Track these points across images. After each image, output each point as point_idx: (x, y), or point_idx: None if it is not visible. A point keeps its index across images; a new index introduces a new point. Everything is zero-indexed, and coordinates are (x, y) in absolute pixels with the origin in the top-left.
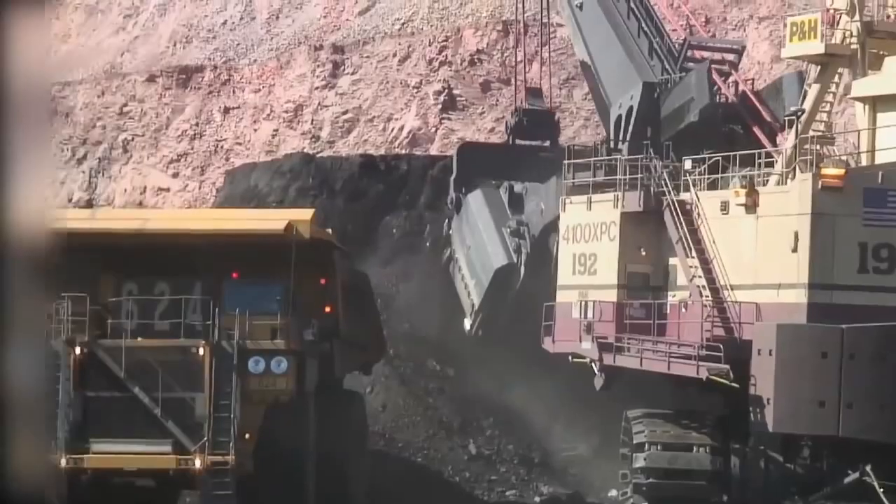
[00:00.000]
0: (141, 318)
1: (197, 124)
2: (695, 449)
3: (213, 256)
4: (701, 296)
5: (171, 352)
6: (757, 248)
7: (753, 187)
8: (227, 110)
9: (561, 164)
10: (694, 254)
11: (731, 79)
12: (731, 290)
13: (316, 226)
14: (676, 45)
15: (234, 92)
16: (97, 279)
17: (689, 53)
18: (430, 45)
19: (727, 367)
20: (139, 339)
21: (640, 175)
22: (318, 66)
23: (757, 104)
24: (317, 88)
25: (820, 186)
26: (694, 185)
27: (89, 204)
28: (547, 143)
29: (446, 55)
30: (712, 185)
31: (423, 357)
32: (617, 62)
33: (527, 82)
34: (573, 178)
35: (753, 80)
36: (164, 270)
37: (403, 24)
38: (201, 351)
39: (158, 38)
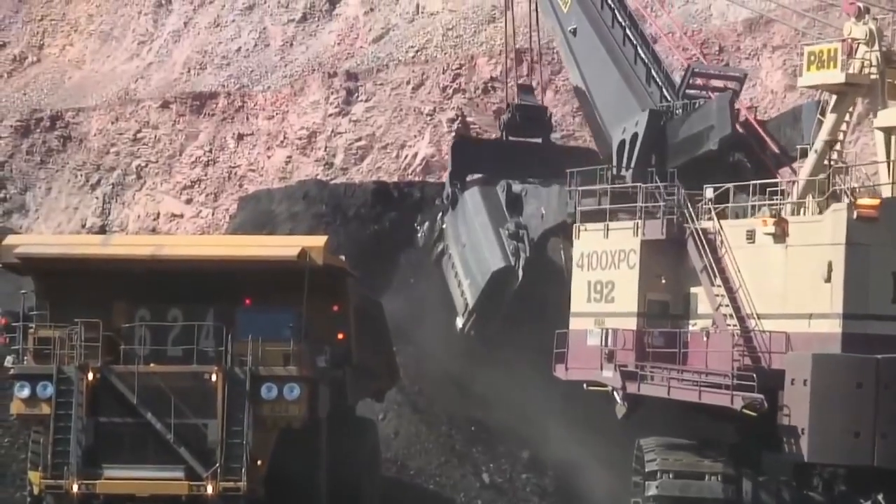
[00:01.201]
0: (154, 344)
1: (210, 150)
2: (707, 477)
3: (226, 283)
4: (727, 324)
5: (184, 378)
6: (786, 277)
7: (782, 217)
8: (240, 137)
9: (558, 162)
10: (719, 282)
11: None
12: (758, 318)
13: (329, 253)
14: (674, 72)
15: (247, 118)
16: (110, 305)
17: (691, 81)
18: (443, 73)
19: (761, 397)
20: (152, 365)
21: (661, 203)
22: (332, 92)
23: (763, 134)
24: (330, 115)
25: (855, 216)
26: (716, 214)
27: (103, 230)
28: (539, 140)
29: (460, 83)
30: (733, 214)
31: (433, 382)
32: (614, 88)
33: (518, 78)
34: (585, 205)
35: (756, 108)
36: (177, 297)
37: (417, 51)
38: (214, 377)
39: (172, 64)
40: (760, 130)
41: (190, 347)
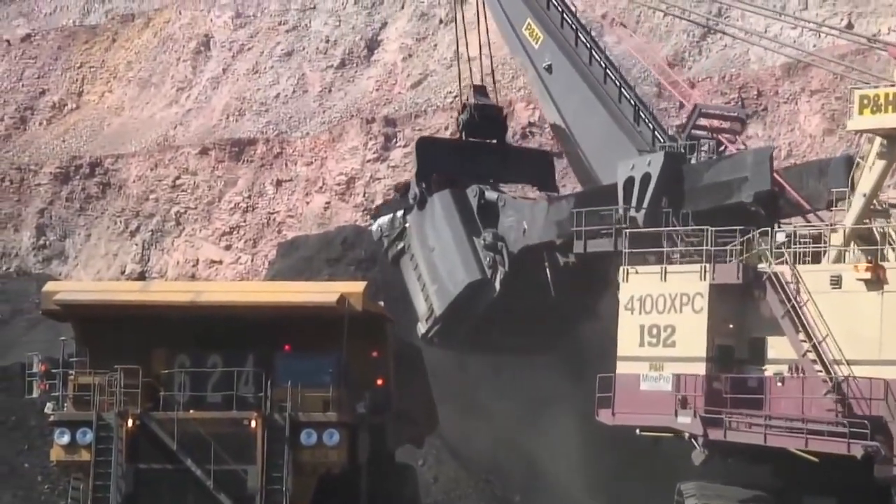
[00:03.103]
0: (193, 391)
1: (249, 197)
2: None
3: (265, 329)
4: (815, 371)
5: (224, 424)
6: (882, 323)
7: (878, 262)
8: (279, 183)
9: (515, 163)
10: (800, 327)
11: (733, 146)
12: (848, 365)
13: (368, 298)
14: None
15: (286, 164)
16: (150, 351)
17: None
18: None
19: (877, 444)
20: (191, 411)
21: (735, 246)
22: (371, 138)
23: (784, 182)
24: (369, 161)
25: None
26: (792, 258)
27: (142, 276)
28: (495, 141)
29: None
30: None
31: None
32: (600, 127)
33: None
34: (598, 246)
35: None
36: (216, 343)
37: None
38: (253, 423)
39: (211, 110)
40: (781, 179)
41: (229, 393)
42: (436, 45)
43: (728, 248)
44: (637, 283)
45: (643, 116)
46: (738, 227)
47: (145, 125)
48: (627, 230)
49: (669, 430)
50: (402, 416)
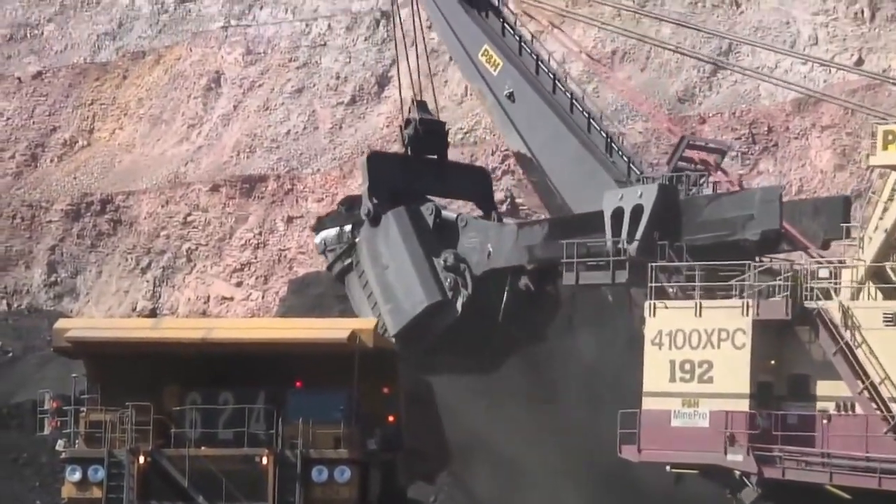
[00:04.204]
0: (204, 428)
1: (260, 233)
2: None
3: (276, 366)
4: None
5: (235, 461)
6: None
7: None
8: (290, 219)
9: (456, 179)
10: (855, 365)
11: (710, 178)
12: None
13: (379, 335)
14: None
15: (297, 201)
16: (161, 388)
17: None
18: (492, 155)
19: None
20: (203, 448)
21: (782, 281)
22: None
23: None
24: None
25: None
26: (837, 293)
27: (153, 313)
28: (435, 157)
29: (509, 164)
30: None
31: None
32: (571, 156)
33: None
34: (592, 278)
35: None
36: (227, 379)
37: (466, 133)
38: (265, 460)
39: (222, 147)
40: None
41: (241, 430)
42: (446, 82)
43: (775, 283)
44: (668, 318)
45: (615, 147)
46: (743, 262)
47: (156, 162)
48: (654, 265)
49: (679, 465)
50: (413, 453)
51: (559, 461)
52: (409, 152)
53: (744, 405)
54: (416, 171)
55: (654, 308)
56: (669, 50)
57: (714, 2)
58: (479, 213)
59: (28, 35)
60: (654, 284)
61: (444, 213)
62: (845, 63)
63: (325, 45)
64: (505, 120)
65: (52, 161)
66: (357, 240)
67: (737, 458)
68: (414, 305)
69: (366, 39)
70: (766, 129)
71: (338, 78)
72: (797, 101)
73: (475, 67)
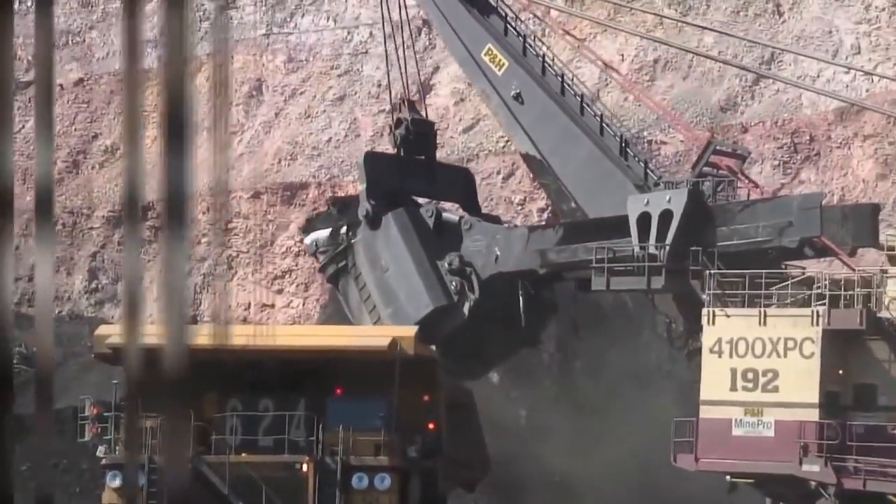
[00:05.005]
0: (245, 434)
1: (302, 241)
2: None
3: (317, 373)
4: None
5: (275, 468)
6: None
7: None
8: None
9: (445, 181)
10: None
11: (736, 184)
12: None
13: (419, 343)
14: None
15: None
16: (201, 395)
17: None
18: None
19: None
20: (243, 455)
21: (855, 291)
22: None
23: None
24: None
25: None
26: None
27: (194, 320)
28: (423, 158)
29: None
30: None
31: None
32: (586, 159)
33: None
34: (623, 284)
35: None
36: (268, 386)
37: (507, 141)
38: (305, 467)
39: (264, 155)
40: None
41: (281, 437)
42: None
43: (847, 292)
44: (728, 326)
45: (631, 151)
46: (783, 270)
47: (197, 169)
48: (712, 272)
49: (739, 474)
50: (453, 461)
51: (600, 469)
52: (401, 153)
53: (813, 415)
54: (409, 172)
55: (714, 316)
56: (711, 59)
57: (756, 10)
58: (462, 213)
59: (70, 42)
60: (712, 292)
61: (444, 214)
62: (888, 72)
63: (366, 52)
64: (512, 121)
65: (93, 168)
66: (353, 241)
67: (813, 469)
68: (418, 309)
69: (407, 47)
70: (807, 138)
71: (379, 86)
72: (839, 111)
73: (478, 67)
